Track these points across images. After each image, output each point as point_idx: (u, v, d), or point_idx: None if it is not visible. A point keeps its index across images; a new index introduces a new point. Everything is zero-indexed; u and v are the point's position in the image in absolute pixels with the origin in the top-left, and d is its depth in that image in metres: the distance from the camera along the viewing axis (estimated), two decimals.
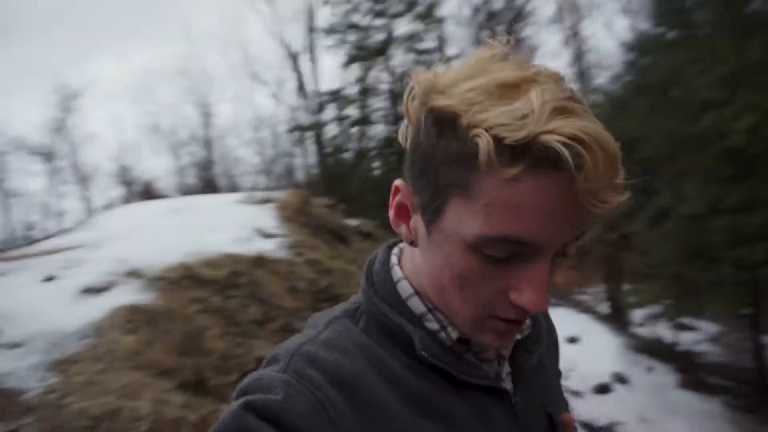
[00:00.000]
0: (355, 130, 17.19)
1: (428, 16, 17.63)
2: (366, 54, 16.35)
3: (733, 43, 4.97)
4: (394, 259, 0.60)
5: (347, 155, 17.28)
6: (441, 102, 0.47)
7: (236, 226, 6.09)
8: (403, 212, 0.55)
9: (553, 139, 0.41)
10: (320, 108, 17.10)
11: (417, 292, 0.57)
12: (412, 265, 0.57)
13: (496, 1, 20.03)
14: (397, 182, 0.54)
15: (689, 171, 6.25)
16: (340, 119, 17.34)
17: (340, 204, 10.17)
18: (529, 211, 0.44)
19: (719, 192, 5.71)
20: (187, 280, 4.53)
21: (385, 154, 17.74)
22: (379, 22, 16.91)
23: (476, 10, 19.32)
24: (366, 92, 16.64)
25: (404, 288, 0.57)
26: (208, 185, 19.45)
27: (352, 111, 17.00)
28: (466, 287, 0.49)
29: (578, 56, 14.93)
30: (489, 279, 0.48)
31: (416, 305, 0.56)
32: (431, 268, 0.52)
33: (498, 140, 0.42)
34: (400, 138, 0.54)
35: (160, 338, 3.64)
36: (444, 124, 0.47)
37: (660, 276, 7.78)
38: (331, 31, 17.24)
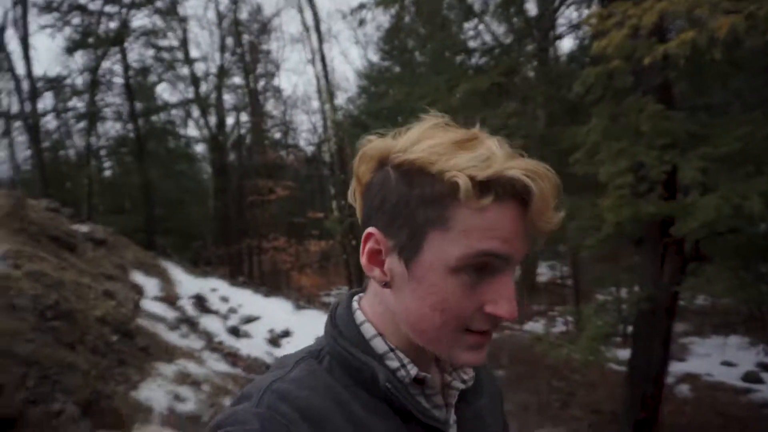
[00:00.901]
0: (81, 125, 15.02)
1: (170, 13, 16.64)
2: (96, 42, 14.49)
3: (447, 85, 6.10)
4: (355, 305, 0.67)
5: (71, 153, 14.94)
6: (407, 157, 0.57)
7: None
8: (375, 257, 0.61)
9: (516, 173, 0.53)
10: (34, 95, 14.42)
11: (379, 333, 0.64)
12: (376, 309, 0.65)
13: (242, 11, 20.04)
14: (369, 229, 0.60)
15: None
16: (62, 111, 14.94)
17: (65, 208, 8.84)
18: (498, 231, 0.55)
19: None
20: None
21: (118, 153, 15.90)
22: (111, 8, 15.21)
23: (222, 16, 19.05)
24: (96, 84, 14.72)
25: (367, 330, 0.64)
26: None
27: (78, 104, 14.86)
28: (447, 309, 0.57)
29: (320, 76, 16.01)
30: (466, 298, 0.57)
31: (379, 345, 0.63)
32: (410, 300, 0.59)
33: (471, 178, 0.53)
34: (350, 198, 0.65)
35: None
36: (413, 174, 0.57)
37: None
38: (48, 8, 14.78)
